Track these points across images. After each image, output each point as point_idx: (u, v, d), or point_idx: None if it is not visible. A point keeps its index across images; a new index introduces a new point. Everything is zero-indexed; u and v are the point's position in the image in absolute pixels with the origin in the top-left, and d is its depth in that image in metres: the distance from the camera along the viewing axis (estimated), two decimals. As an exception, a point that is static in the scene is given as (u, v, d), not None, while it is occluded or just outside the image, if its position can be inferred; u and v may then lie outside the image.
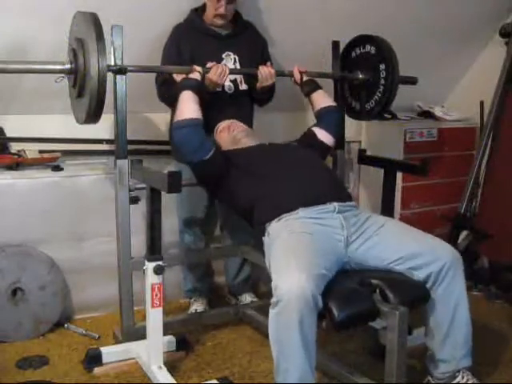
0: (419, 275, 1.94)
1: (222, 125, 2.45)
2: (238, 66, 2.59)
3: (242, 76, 2.61)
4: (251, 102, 2.72)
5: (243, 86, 2.63)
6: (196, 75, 2.29)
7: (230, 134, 2.39)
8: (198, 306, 2.81)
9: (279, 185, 2.14)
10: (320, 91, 2.53)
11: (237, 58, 2.60)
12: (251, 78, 2.59)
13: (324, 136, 2.45)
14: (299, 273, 1.70)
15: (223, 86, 2.55)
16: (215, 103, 2.50)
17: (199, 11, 2.60)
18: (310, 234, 1.93)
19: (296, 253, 1.82)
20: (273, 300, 1.72)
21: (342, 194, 2.17)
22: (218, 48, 2.57)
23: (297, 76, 2.53)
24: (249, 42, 2.66)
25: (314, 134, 2.45)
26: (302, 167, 2.24)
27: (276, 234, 1.98)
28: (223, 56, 2.57)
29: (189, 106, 2.23)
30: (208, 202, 2.76)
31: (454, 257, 1.95)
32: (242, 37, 2.64)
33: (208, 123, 2.37)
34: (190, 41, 2.54)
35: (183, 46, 2.53)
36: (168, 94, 2.46)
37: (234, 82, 2.60)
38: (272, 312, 1.72)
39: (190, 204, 2.76)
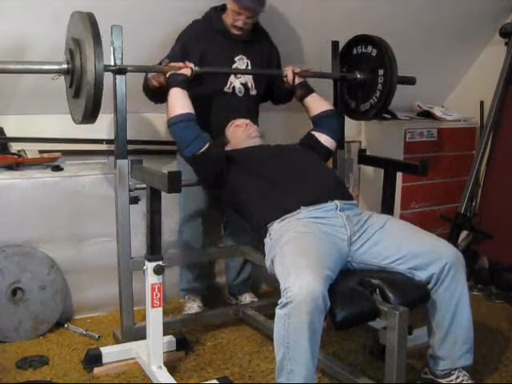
0: (420, 275, 1.94)
1: (240, 121, 2.45)
2: None
3: (252, 81, 2.61)
4: (258, 105, 2.73)
5: (253, 91, 2.63)
6: (187, 71, 2.28)
7: (246, 131, 2.40)
8: (191, 305, 2.80)
9: (281, 185, 2.14)
10: (314, 94, 2.52)
11: (249, 63, 2.59)
12: (260, 85, 2.62)
13: (326, 140, 2.45)
14: (310, 274, 1.70)
15: (234, 88, 2.56)
16: (222, 103, 2.51)
17: (218, 10, 2.59)
18: (314, 234, 1.93)
19: (304, 254, 1.81)
20: (281, 301, 1.71)
21: (343, 193, 2.17)
22: (231, 50, 2.56)
23: (290, 77, 2.51)
24: (263, 49, 2.66)
25: (316, 139, 2.45)
26: (304, 168, 2.24)
27: (279, 235, 1.98)
28: (236, 59, 2.57)
29: (180, 102, 2.24)
30: (209, 201, 2.76)
31: (455, 257, 1.95)
32: (257, 43, 2.64)
33: (212, 121, 2.38)
34: (204, 39, 2.53)
35: (193, 45, 2.50)
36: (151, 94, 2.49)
37: (245, 85, 2.60)
38: (280, 313, 1.71)
39: (192, 203, 2.74)
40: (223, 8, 2.58)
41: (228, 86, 2.56)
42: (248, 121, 2.46)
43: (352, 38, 2.75)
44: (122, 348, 2.31)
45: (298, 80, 2.52)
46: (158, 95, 2.48)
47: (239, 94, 2.60)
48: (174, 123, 2.24)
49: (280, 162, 2.25)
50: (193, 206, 2.75)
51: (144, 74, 2.49)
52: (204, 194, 2.70)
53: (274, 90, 2.75)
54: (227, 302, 2.98)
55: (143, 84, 2.50)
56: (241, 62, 2.58)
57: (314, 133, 2.46)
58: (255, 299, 2.91)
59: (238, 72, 2.59)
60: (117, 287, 2.34)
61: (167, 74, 2.29)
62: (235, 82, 2.58)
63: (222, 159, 2.24)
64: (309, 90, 2.52)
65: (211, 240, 2.98)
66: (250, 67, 2.60)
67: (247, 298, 2.91)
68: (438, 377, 2.05)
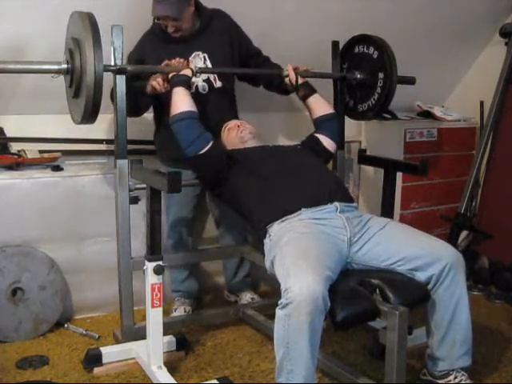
0: (420, 276, 1.94)
1: (232, 123, 2.45)
2: (209, 64, 2.52)
3: (215, 74, 2.54)
4: (231, 98, 2.68)
5: (218, 84, 2.56)
6: (188, 71, 2.29)
7: (238, 134, 2.40)
8: (178, 307, 2.79)
9: (282, 186, 2.14)
10: (316, 95, 2.51)
11: (206, 56, 2.52)
12: (225, 75, 2.56)
13: (328, 143, 2.45)
14: (310, 275, 1.70)
15: (197, 87, 2.52)
16: None
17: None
18: (314, 235, 1.94)
19: (304, 254, 1.82)
20: (281, 301, 1.72)
21: (344, 195, 2.18)
22: (184, 51, 2.47)
23: (292, 77, 2.49)
24: (218, 34, 2.56)
25: (318, 141, 2.45)
26: (304, 169, 2.25)
27: (279, 236, 1.98)
28: (191, 58, 2.48)
29: (183, 100, 2.24)
30: (195, 203, 2.76)
31: (455, 258, 1.95)
32: (209, 31, 2.54)
33: None
34: (156, 50, 2.47)
35: (148, 58, 2.45)
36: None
37: (208, 80, 2.53)
38: (280, 313, 1.72)
39: (177, 206, 2.73)
40: None
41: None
42: (240, 122, 2.46)
43: (352, 37, 2.75)
44: (121, 348, 2.31)
45: (300, 80, 2.51)
46: (147, 99, 2.46)
47: (203, 92, 2.54)
48: (176, 120, 2.24)
49: (280, 163, 2.25)
50: (179, 208, 2.73)
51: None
52: (191, 196, 2.70)
53: (260, 80, 2.70)
54: (227, 301, 2.98)
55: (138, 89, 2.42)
56: (197, 59, 2.51)
57: (316, 135, 2.47)
58: (255, 296, 2.91)
59: (233, 71, 2.56)
60: (117, 287, 2.34)
61: (170, 76, 2.29)
62: (197, 81, 2.51)
63: (222, 159, 2.24)
64: (312, 90, 2.52)
65: (200, 240, 2.99)
66: (207, 60, 2.52)
67: (247, 296, 2.90)
68: (437, 377, 2.05)
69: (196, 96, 2.47)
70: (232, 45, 2.60)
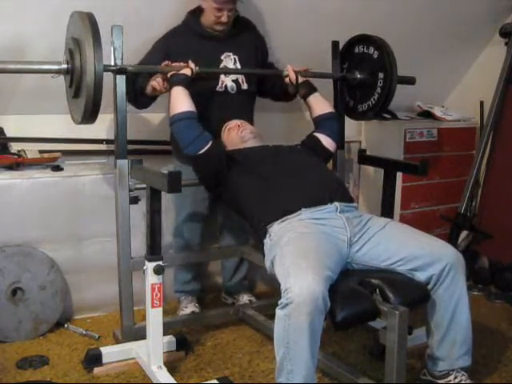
0: (420, 276, 1.94)
1: (233, 123, 2.45)
2: (239, 66, 2.59)
3: (243, 76, 2.60)
4: (252, 102, 2.72)
5: (245, 86, 2.61)
6: (187, 71, 2.29)
7: (239, 133, 2.40)
8: (184, 306, 2.79)
9: (282, 186, 2.14)
10: (317, 94, 2.52)
11: (237, 58, 2.58)
12: (251, 78, 2.61)
13: (327, 143, 2.46)
14: (310, 275, 1.70)
15: (226, 86, 2.56)
16: (217, 103, 2.50)
17: (196, 13, 2.56)
18: (314, 235, 1.94)
19: (304, 254, 1.82)
20: (281, 301, 1.72)
21: (344, 195, 2.18)
22: (216, 49, 2.55)
23: (292, 76, 2.50)
24: (248, 41, 2.65)
25: (318, 140, 2.45)
26: (305, 169, 2.25)
27: (279, 236, 1.98)
28: (222, 57, 2.55)
29: (181, 100, 2.25)
30: (208, 202, 2.76)
31: (455, 257, 1.95)
32: (241, 36, 2.62)
33: (209, 123, 2.37)
34: (188, 44, 2.51)
35: (175, 51, 2.46)
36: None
37: (236, 81, 2.59)
38: (280, 313, 1.72)
39: (190, 204, 2.74)
40: (200, 11, 2.54)
41: (220, 85, 2.55)
42: (240, 122, 2.46)
43: (352, 37, 2.75)
44: (121, 348, 2.31)
45: (300, 79, 2.51)
46: (147, 99, 2.49)
47: (232, 92, 2.58)
48: (175, 121, 2.25)
49: (280, 163, 2.25)
50: (189, 208, 2.74)
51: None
52: (201, 195, 2.69)
53: (267, 84, 2.74)
54: (224, 302, 2.97)
55: (137, 86, 2.44)
56: (228, 60, 2.57)
57: (316, 134, 2.47)
58: (252, 298, 2.90)
59: (236, 72, 2.58)
60: (117, 287, 2.34)
61: (169, 74, 2.30)
62: (226, 81, 2.56)
63: (222, 159, 2.24)
64: (312, 89, 2.53)
65: (207, 241, 2.98)
66: (238, 62, 2.58)
67: (245, 297, 2.90)
68: (437, 377, 2.05)
69: (224, 95, 2.55)
70: (257, 52, 2.68)
